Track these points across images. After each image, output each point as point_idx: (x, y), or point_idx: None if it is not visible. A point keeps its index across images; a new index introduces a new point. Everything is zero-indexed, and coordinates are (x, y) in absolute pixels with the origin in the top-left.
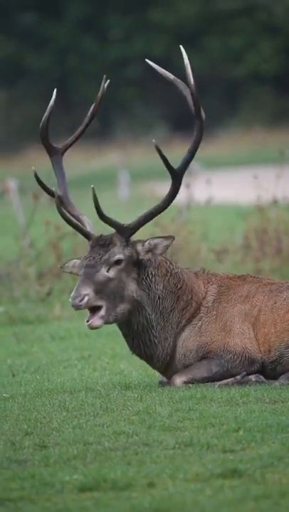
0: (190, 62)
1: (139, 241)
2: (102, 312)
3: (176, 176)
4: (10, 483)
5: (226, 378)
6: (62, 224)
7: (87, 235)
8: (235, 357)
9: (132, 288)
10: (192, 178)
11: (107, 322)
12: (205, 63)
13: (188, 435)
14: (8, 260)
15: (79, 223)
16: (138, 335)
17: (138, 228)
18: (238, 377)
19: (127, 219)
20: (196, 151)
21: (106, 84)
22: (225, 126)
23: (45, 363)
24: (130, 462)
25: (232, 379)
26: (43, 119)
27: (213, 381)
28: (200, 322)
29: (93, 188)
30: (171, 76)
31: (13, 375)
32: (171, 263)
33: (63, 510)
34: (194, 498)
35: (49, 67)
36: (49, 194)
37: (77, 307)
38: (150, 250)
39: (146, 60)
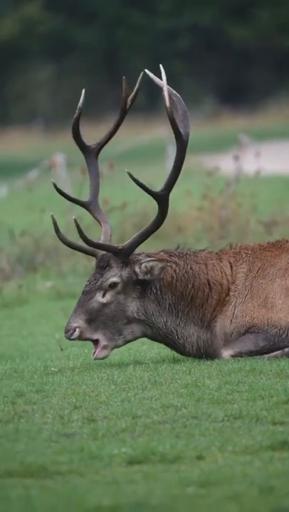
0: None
1: (137, 261)
2: (104, 342)
3: (161, 199)
4: (59, 456)
5: (273, 351)
6: (109, 198)
7: (92, 255)
8: (281, 331)
9: (132, 309)
10: (241, 151)
11: (115, 347)
12: (254, 34)
13: (237, 408)
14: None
15: (83, 247)
16: (162, 340)
17: (134, 248)
18: (287, 349)
19: (174, 192)
20: (178, 173)
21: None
22: (274, 97)
23: None
24: (179, 435)
25: (280, 351)
26: (74, 120)
27: (261, 354)
28: (231, 307)
29: (75, 219)
30: (162, 83)
31: (62, 350)
32: (177, 264)
33: (112, 483)
34: (243, 470)
35: (97, 41)
36: (75, 202)
37: (68, 338)
38: (147, 273)
39: (146, 71)
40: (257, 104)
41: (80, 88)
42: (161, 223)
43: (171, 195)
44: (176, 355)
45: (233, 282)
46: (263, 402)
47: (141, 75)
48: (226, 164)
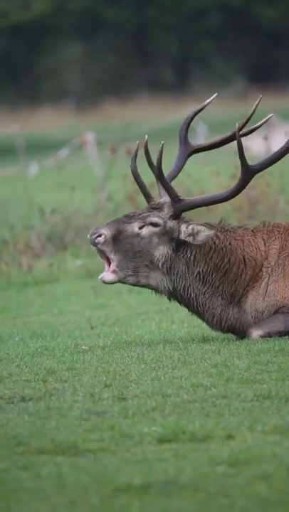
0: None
1: (186, 221)
2: (114, 267)
3: (249, 172)
4: (90, 434)
5: None
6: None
7: (148, 197)
8: None
9: (159, 256)
10: (270, 130)
11: (124, 281)
12: (283, 14)
13: (266, 388)
14: (86, 213)
15: (146, 186)
16: (176, 299)
17: (193, 207)
18: None
19: (203, 172)
20: (280, 158)
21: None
22: None
23: (123, 316)
24: (208, 414)
25: None
26: (189, 115)
27: None
28: (263, 284)
29: (163, 144)
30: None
31: (92, 328)
32: (218, 237)
33: (142, 462)
34: (272, 450)
35: (126, 20)
36: (151, 167)
37: (92, 244)
38: (192, 234)
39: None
40: (286, 84)
41: (110, 67)
42: (235, 195)
43: (200, 175)
44: (206, 334)
45: (266, 258)
46: None
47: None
48: (255, 144)
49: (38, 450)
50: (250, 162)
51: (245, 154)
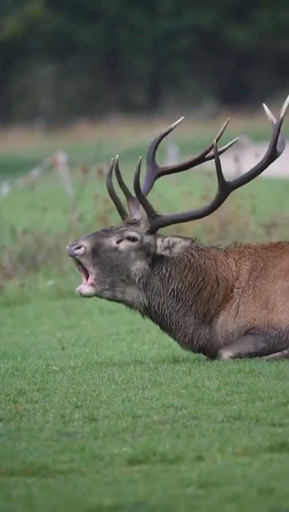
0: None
1: (161, 236)
2: (91, 280)
3: (225, 189)
4: (60, 455)
5: (272, 353)
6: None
7: (122, 214)
8: (281, 333)
9: (136, 272)
10: (240, 152)
11: (101, 295)
12: (254, 36)
13: (236, 409)
14: (58, 233)
15: (121, 203)
16: (157, 318)
17: (169, 223)
18: (286, 351)
19: (175, 193)
20: (256, 175)
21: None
22: (273, 99)
23: (94, 336)
24: (179, 435)
25: (280, 353)
26: (157, 137)
27: (260, 356)
28: (234, 305)
29: (140, 159)
30: (274, 119)
31: (63, 348)
32: (193, 255)
33: (112, 483)
34: (243, 471)
35: (99, 41)
36: (123, 190)
37: (71, 255)
38: (168, 248)
39: (264, 105)
40: (257, 106)
41: (82, 87)
42: (212, 211)
43: (171, 195)
44: (177, 355)
45: (237, 278)
46: (262, 404)
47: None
48: (225, 165)
49: (9, 471)
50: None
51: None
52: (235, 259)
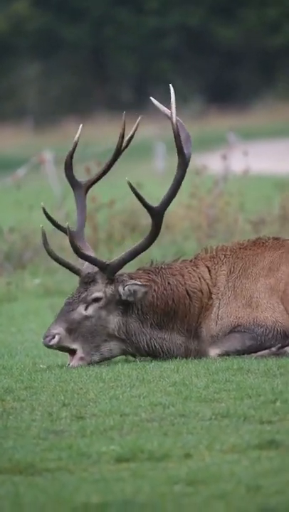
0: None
1: (122, 282)
2: (80, 354)
3: (156, 214)
4: (47, 453)
5: (260, 350)
6: (98, 195)
7: (77, 272)
8: (268, 331)
9: (114, 326)
10: (229, 150)
11: (91, 362)
12: (241, 34)
13: (224, 406)
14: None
15: (69, 263)
16: (151, 354)
17: (121, 266)
18: (274, 348)
19: (162, 192)
20: (177, 189)
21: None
22: (261, 97)
23: None
24: (167, 433)
25: (267, 351)
26: (68, 154)
27: (248, 353)
28: (214, 309)
29: (68, 225)
30: (168, 111)
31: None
32: (155, 282)
33: (100, 481)
34: (231, 469)
35: (84, 39)
36: (61, 231)
37: (48, 347)
38: (130, 295)
39: (151, 98)
40: (244, 104)
41: (68, 85)
42: (154, 240)
43: (160, 192)
44: None
45: (215, 285)
46: (250, 401)
47: (138, 119)
48: (213, 163)
49: None
50: (153, 203)
51: (204, 174)
52: (208, 267)
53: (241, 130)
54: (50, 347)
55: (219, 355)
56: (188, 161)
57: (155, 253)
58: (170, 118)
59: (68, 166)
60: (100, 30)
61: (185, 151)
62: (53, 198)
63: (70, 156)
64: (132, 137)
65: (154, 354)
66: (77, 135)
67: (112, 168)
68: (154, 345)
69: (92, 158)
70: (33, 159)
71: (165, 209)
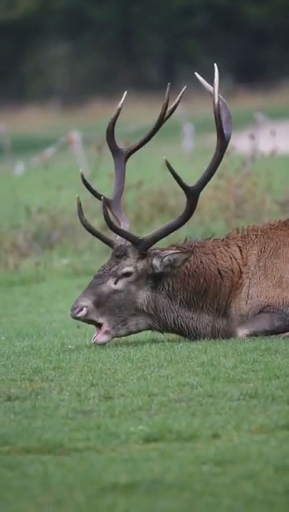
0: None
1: (157, 254)
2: (106, 327)
3: (191, 194)
4: (76, 433)
5: (288, 331)
6: (126, 175)
7: (109, 244)
8: None
9: (142, 301)
10: (256, 129)
11: (117, 336)
12: (269, 12)
13: (252, 387)
14: (73, 212)
15: (103, 234)
16: (172, 331)
17: (153, 242)
18: None
19: (190, 171)
20: (215, 170)
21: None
22: None
23: None
24: (195, 413)
25: None
26: (110, 121)
27: (276, 334)
28: (244, 288)
29: (103, 197)
30: (211, 88)
31: (78, 327)
32: (188, 260)
33: (128, 461)
34: (259, 449)
35: (113, 19)
36: (97, 197)
37: (75, 318)
38: (170, 265)
39: (195, 73)
40: (272, 83)
41: (96, 66)
42: (188, 219)
43: (187, 173)
44: None
45: (245, 264)
46: (278, 382)
47: (183, 89)
48: (241, 143)
49: (24, 449)
50: (190, 184)
51: (232, 154)
52: (239, 247)
53: (269, 110)
54: (77, 319)
55: (247, 336)
56: (228, 142)
57: (183, 233)
58: (212, 97)
59: (110, 132)
60: (127, 9)
61: (225, 132)
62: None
63: (113, 123)
64: (175, 106)
65: (180, 332)
66: (121, 101)
67: (139, 151)
68: (181, 324)
69: (120, 138)
70: (61, 139)
71: (201, 189)
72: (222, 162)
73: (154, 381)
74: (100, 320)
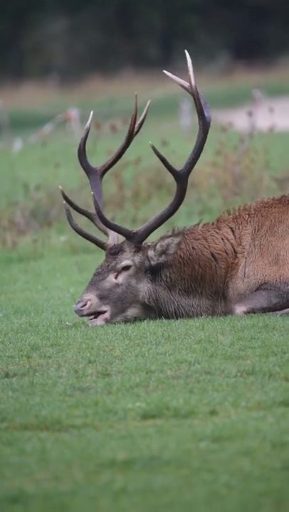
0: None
1: (151, 246)
2: (107, 315)
3: (180, 178)
4: (74, 410)
5: (286, 308)
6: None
7: (101, 246)
8: None
9: (144, 294)
10: (254, 106)
11: (113, 322)
12: None
13: (250, 363)
14: (71, 189)
15: (94, 236)
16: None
17: (148, 234)
18: None
19: (188, 149)
20: (200, 152)
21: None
22: (288, 53)
23: None
24: (192, 390)
25: None
26: (80, 141)
27: (274, 311)
28: (240, 268)
29: (93, 194)
30: (186, 84)
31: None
32: (180, 248)
33: (126, 437)
34: (256, 425)
35: None
36: (82, 213)
37: (80, 313)
38: (163, 252)
39: (164, 71)
40: (271, 60)
41: (94, 42)
42: (179, 205)
43: (185, 150)
44: None
45: (240, 244)
46: (275, 358)
47: (148, 104)
48: (239, 120)
49: (22, 426)
50: (178, 167)
51: (230, 131)
52: (231, 228)
53: (267, 86)
54: (81, 314)
55: (245, 313)
56: (209, 123)
57: (181, 211)
58: (189, 85)
59: (82, 152)
60: None
61: (206, 113)
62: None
63: (83, 143)
64: (142, 122)
65: (182, 315)
66: (89, 121)
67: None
68: (182, 313)
69: (119, 114)
70: (58, 116)
71: (189, 172)
72: (220, 139)
73: (151, 358)
74: (103, 308)
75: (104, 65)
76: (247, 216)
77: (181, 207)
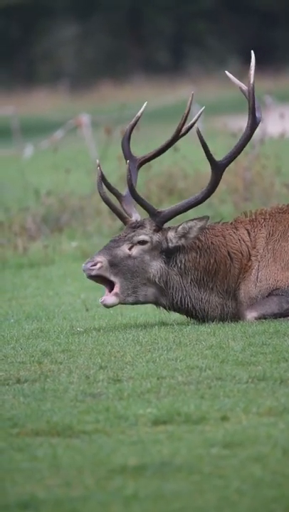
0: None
1: (172, 228)
2: (116, 289)
3: (218, 169)
4: (85, 416)
5: None
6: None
7: (124, 220)
8: None
9: (155, 272)
10: (265, 112)
11: (124, 302)
12: None
13: (261, 369)
14: (81, 195)
15: (120, 209)
16: (182, 312)
17: (172, 216)
18: None
19: (197, 155)
20: (243, 147)
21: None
22: None
23: None
24: (203, 396)
25: None
26: (128, 127)
27: (285, 317)
28: (254, 271)
29: (128, 162)
30: (244, 87)
31: (87, 310)
32: (199, 239)
33: (137, 443)
34: (267, 431)
35: (121, 0)
36: (112, 191)
37: (88, 272)
38: (184, 235)
39: (226, 72)
40: (281, 66)
41: (104, 48)
42: (210, 194)
43: (196, 156)
44: None
45: (254, 247)
46: (287, 364)
47: (201, 110)
48: None
49: (34, 432)
50: (217, 158)
51: (241, 136)
52: (247, 229)
53: (278, 92)
54: (89, 273)
55: (256, 319)
56: (259, 122)
57: (192, 216)
58: (248, 79)
59: (126, 142)
60: None
61: (257, 114)
62: (89, 161)
63: (129, 132)
64: (191, 126)
65: (186, 312)
66: (141, 110)
67: (148, 130)
68: (188, 304)
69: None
70: (69, 122)
71: (227, 164)
72: (230, 144)
73: (162, 364)
74: (113, 278)
75: (114, 71)
76: (262, 220)
77: (192, 212)
